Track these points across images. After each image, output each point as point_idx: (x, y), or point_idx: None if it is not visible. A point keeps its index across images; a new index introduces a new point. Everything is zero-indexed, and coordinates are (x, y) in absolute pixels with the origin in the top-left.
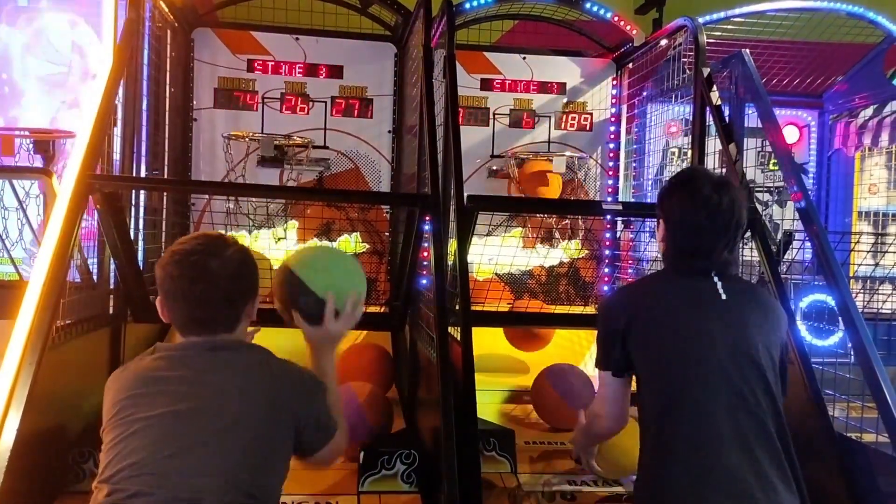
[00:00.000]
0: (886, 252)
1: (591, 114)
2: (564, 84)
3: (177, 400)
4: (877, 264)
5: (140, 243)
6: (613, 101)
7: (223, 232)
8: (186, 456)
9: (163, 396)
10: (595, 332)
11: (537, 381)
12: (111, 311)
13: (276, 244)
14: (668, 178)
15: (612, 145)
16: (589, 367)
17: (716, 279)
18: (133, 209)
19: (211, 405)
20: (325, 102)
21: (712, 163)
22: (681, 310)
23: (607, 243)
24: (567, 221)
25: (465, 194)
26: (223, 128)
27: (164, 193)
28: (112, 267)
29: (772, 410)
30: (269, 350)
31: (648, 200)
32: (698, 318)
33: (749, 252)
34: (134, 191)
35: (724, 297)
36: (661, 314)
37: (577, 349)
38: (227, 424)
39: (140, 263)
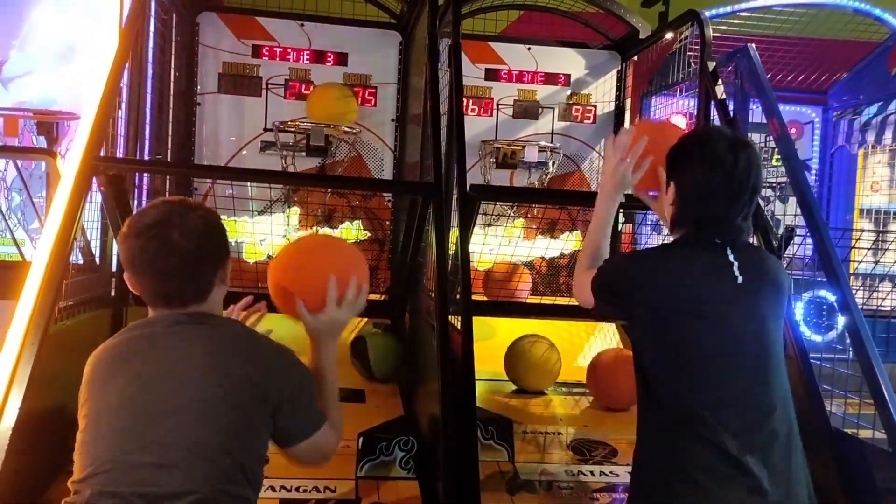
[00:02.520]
0: (887, 249)
1: (596, 106)
2: (569, 75)
3: (141, 385)
4: (877, 262)
5: None
6: (618, 93)
7: (183, 197)
8: (153, 448)
9: (127, 382)
10: (593, 325)
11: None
12: (113, 293)
13: (278, 230)
14: (680, 138)
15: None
16: (588, 358)
17: (730, 255)
18: (136, 192)
19: (176, 387)
20: None
21: None
22: (698, 296)
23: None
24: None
25: (468, 183)
26: (227, 113)
27: (168, 177)
28: (115, 249)
29: (783, 400)
30: (242, 324)
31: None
32: (715, 304)
33: None
34: (137, 174)
35: (740, 279)
36: (677, 298)
37: (577, 341)
38: (194, 407)
39: None
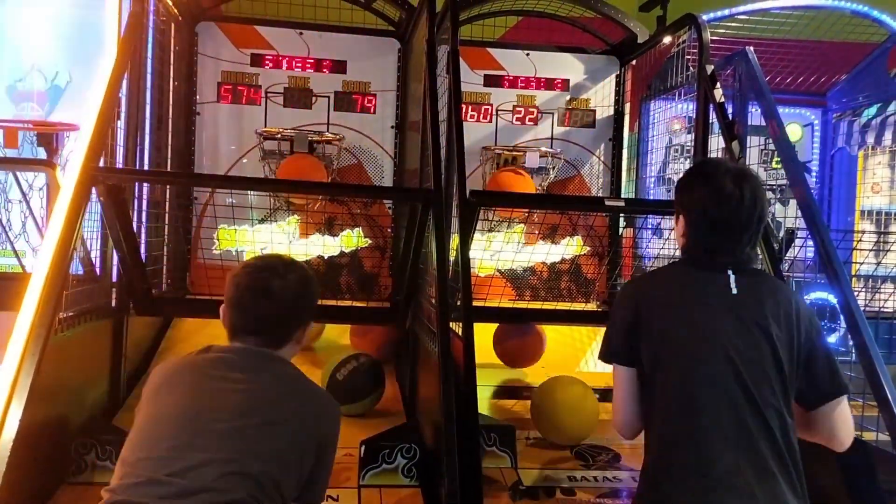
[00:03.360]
0: (889, 251)
1: (595, 111)
2: (568, 80)
3: (198, 401)
4: (879, 263)
5: (143, 236)
6: (617, 97)
7: (292, 256)
8: (201, 450)
9: (191, 389)
10: (596, 329)
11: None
12: (114, 303)
13: (278, 239)
14: (685, 172)
15: (614, 142)
16: (590, 364)
17: (730, 272)
18: (136, 202)
19: (233, 412)
20: (329, 97)
21: None
22: (690, 305)
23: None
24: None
25: (468, 189)
26: (226, 122)
27: (167, 187)
28: (115, 260)
29: (777, 409)
30: (303, 374)
31: (651, 197)
32: (707, 314)
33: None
34: (137, 184)
35: (734, 291)
36: (669, 308)
37: (578, 345)
38: (249, 425)
39: (143, 257)
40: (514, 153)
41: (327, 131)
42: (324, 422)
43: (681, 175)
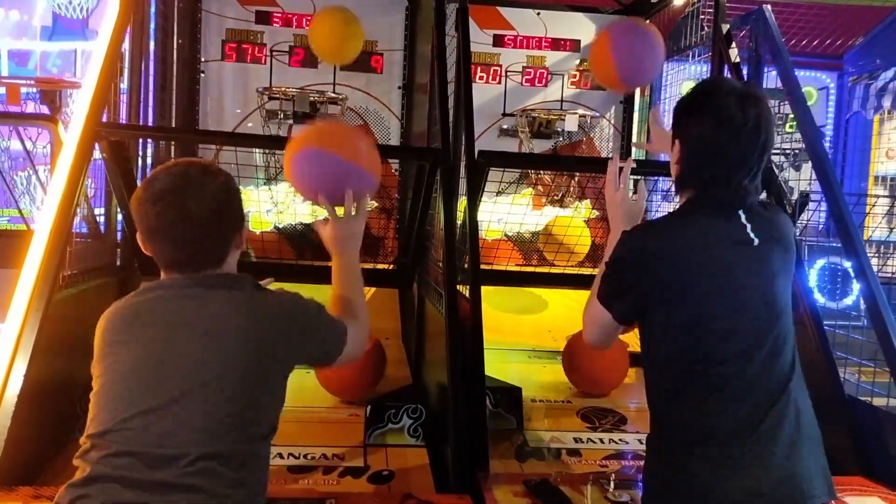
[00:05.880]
0: None
1: None
2: (579, 41)
3: (156, 347)
4: (892, 229)
5: None
6: None
7: (197, 159)
8: (167, 409)
9: (143, 342)
10: None
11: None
12: (118, 262)
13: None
14: (687, 91)
15: (625, 105)
16: None
17: (742, 219)
18: (140, 161)
19: (192, 351)
20: None
21: None
22: (712, 264)
23: None
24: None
25: (477, 150)
26: (231, 81)
27: (172, 146)
28: (119, 218)
29: (792, 367)
30: (254, 282)
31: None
32: (730, 271)
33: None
34: (141, 143)
35: (755, 242)
36: (687, 267)
37: None
38: (210, 372)
39: None
40: (550, 116)
41: (332, 91)
42: (286, 335)
43: None
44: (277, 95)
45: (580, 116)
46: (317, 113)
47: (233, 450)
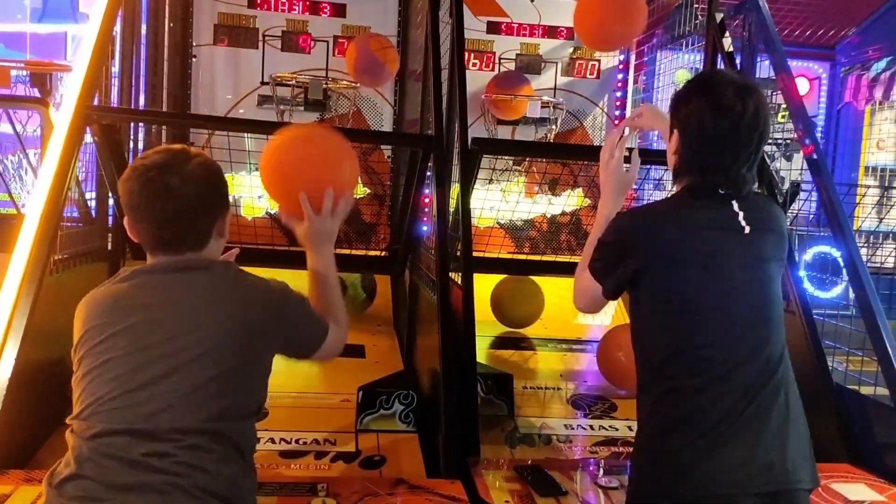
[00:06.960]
0: (892, 207)
1: (599, 61)
2: (573, 29)
3: (142, 330)
4: (881, 219)
5: None
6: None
7: (185, 145)
8: (153, 388)
9: (127, 327)
10: None
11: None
12: (109, 246)
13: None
14: (685, 83)
15: (619, 93)
16: (587, 318)
17: (736, 207)
18: (132, 144)
19: (177, 333)
20: (328, 42)
21: None
22: (702, 248)
23: None
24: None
25: (470, 137)
26: (223, 66)
27: (163, 131)
28: (110, 202)
29: (781, 355)
30: (237, 267)
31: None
32: (722, 257)
33: None
34: (133, 127)
35: (746, 230)
36: (681, 251)
37: None
38: (195, 352)
39: None
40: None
41: (326, 77)
42: (267, 319)
43: None
44: (290, 83)
45: (542, 104)
46: (328, 101)
47: (220, 427)
